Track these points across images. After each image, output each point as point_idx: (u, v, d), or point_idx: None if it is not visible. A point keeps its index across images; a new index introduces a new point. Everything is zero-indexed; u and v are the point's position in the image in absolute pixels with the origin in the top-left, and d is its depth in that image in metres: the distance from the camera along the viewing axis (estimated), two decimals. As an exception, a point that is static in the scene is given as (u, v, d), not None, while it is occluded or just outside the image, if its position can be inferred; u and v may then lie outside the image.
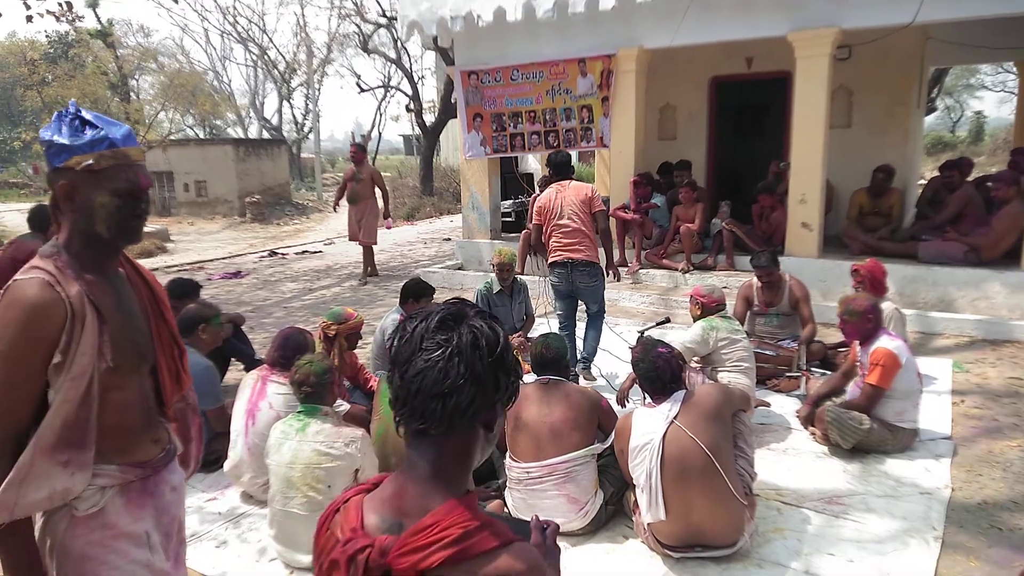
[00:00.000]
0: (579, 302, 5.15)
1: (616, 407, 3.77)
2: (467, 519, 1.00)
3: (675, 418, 2.77)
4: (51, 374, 1.46)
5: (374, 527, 1.03)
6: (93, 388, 1.49)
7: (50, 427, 1.45)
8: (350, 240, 9.77)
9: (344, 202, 9.50)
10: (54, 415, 1.46)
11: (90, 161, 1.50)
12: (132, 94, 25.52)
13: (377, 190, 9.30)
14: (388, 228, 9.66)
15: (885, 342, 3.75)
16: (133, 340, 1.61)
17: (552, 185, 5.01)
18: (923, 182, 9.58)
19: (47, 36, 29.28)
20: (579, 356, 5.05)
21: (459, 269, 9.12)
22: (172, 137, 20.56)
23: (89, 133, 1.51)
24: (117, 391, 1.58)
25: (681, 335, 4.19)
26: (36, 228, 5.13)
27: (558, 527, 1.26)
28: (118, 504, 1.59)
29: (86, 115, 1.54)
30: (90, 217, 1.53)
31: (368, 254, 9.57)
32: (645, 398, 3.74)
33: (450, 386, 1.00)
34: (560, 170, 5.03)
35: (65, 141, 1.49)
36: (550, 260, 4.94)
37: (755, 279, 5.06)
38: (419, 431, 1.04)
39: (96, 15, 21.27)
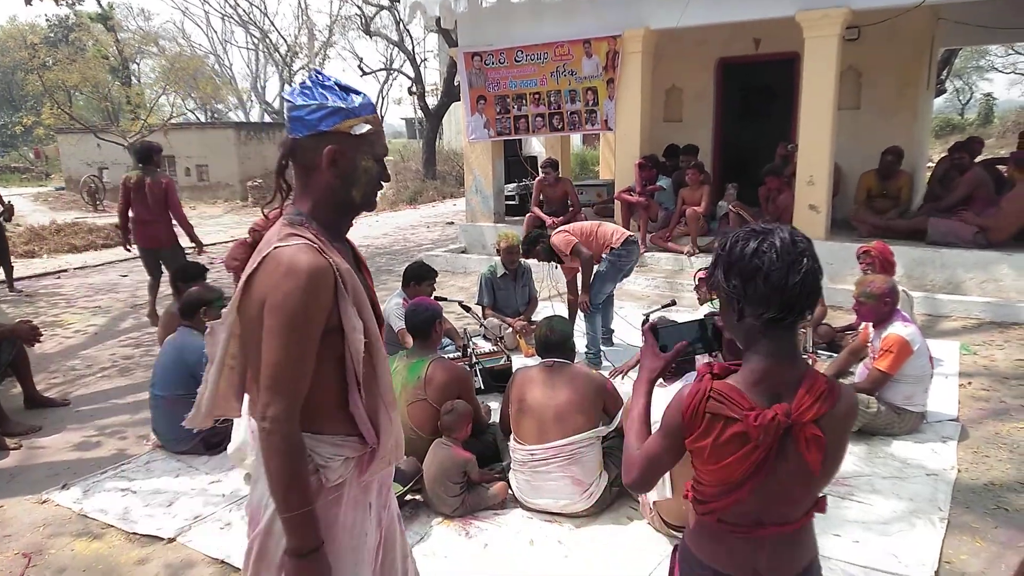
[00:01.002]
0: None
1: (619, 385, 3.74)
2: (822, 378, 1.36)
3: (683, 398, 2.75)
4: (350, 347, 1.47)
5: (758, 402, 1.33)
6: None
7: (358, 402, 1.50)
8: None
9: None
10: (365, 389, 1.52)
11: (368, 126, 1.49)
12: (133, 78, 25.43)
13: None
14: None
15: (899, 328, 3.70)
16: (369, 309, 1.59)
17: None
18: (931, 164, 9.47)
19: (47, 20, 29.19)
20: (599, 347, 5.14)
21: (462, 252, 9.08)
22: (173, 121, 20.49)
23: (357, 97, 1.49)
24: None
25: (688, 318, 4.15)
26: (144, 162, 6.21)
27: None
28: (353, 477, 1.57)
29: (339, 80, 1.52)
30: (350, 183, 1.51)
31: None
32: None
33: (818, 283, 1.33)
34: None
35: (341, 104, 1.47)
36: (628, 239, 5.04)
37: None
38: (790, 323, 1.34)
39: (96, -2, 21.14)
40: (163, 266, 6.31)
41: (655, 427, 1.49)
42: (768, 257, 1.31)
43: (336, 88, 1.49)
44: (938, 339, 5.26)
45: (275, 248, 1.43)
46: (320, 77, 1.50)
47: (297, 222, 1.49)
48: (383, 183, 1.59)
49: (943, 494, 3.17)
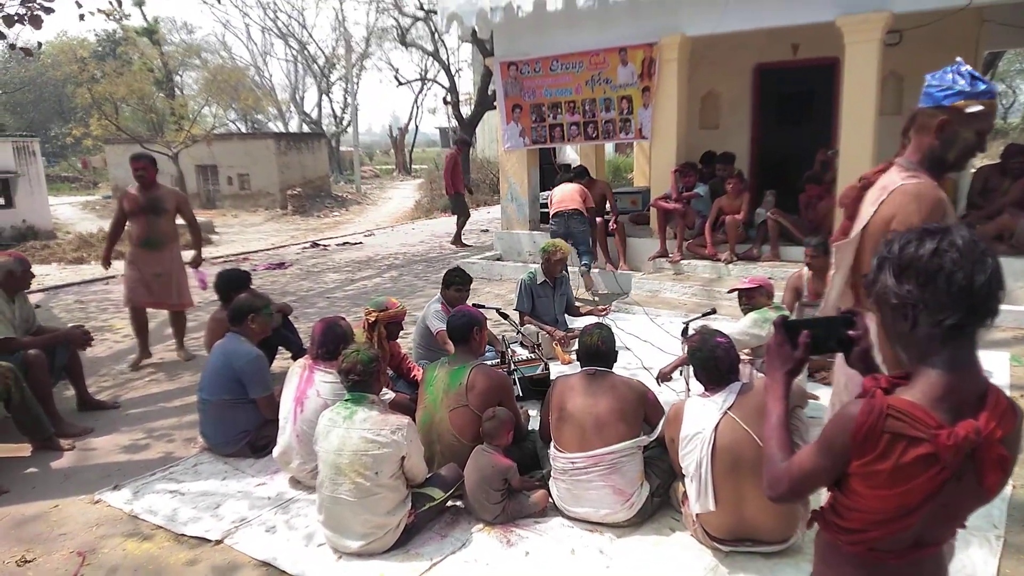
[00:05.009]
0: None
1: (655, 387, 3.71)
2: (1001, 391, 1.26)
3: (729, 408, 2.72)
4: None
5: (943, 419, 1.21)
6: None
7: None
8: (136, 303, 5.78)
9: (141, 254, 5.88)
10: None
11: (981, 107, 1.92)
12: (177, 90, 26.12)
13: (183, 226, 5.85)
14: (203, 284, 5.62)
15: None
16: None
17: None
18: (974, 171, 9.25)
19: (96, 35, 30.19)
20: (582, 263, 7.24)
21: (498, 260, 9.13)
22: (215, 131, 20.98)
23: (982, 84, 1.93)
24: None
25: (731, 326, 4.11)
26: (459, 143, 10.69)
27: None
28: None
29: (973, 71, 1.97)
30: (948, 147, 1.98)
31: (180, 323, 5.87)
32: (688, 385, 3.68)
33: (1003, 285, 1.24)
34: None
35: (966, 88, 1.92)
36: (554, 214, 7.39)
37: (804, 269, 4.95)
38: (970, 332, 1.24)
39: (142, 13, 21.81)
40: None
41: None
42: (950, 256, 1.20)
43: (967, 76, 1.94)
44: (987, 350, 5.12)
45: (902, 184, 1.97)
46: (959, 67, 1.96)
47: (911, 169, 2.01)
48: (979, 151, 2.04)
49: (999, 511, 3.07)
